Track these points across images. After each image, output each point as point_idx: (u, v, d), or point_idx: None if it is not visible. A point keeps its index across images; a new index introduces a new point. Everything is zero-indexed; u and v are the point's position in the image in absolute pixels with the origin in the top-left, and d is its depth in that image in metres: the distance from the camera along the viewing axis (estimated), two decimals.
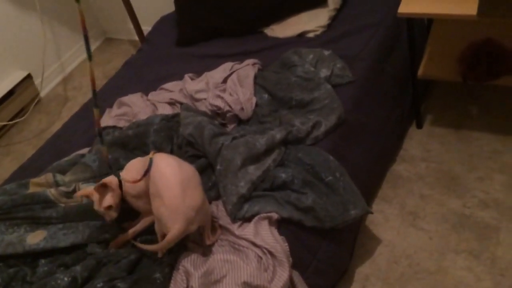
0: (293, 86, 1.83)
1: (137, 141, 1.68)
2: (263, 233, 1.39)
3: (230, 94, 1.80)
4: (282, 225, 1.45)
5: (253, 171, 1.53)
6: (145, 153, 1.68)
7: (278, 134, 1.61)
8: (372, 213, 1.75)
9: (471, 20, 1.56)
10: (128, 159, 1.65)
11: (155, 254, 1.37)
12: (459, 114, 2.14)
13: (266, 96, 1.84)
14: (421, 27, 2.18)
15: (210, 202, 1.51)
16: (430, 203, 1.85)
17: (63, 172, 1.70)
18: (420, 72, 1.96)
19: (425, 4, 1.64)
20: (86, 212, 1.46)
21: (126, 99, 1.98)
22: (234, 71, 1.91)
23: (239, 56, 2.08)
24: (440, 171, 1.95)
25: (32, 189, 1.63)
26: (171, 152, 1.67)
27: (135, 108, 1.89)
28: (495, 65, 1.84)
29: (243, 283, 1.26)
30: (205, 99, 1.84)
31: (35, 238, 1.47)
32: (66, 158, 1.78)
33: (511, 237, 1.67)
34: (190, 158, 1.59)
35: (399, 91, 2.07)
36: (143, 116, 1.83)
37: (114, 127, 1.83)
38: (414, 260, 1.69)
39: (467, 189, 1.85)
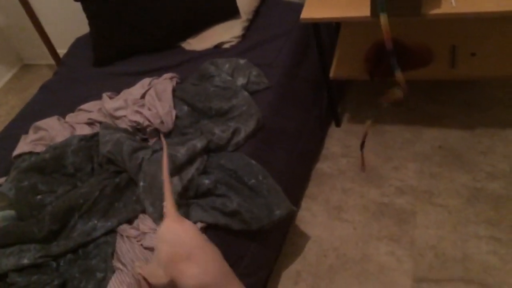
0: (211, 96, 1.87)
1: (54, 164, 1.64)
2: None
3: (149, 109, 1.81)
4: (209, 230, 1.47)
5: (178, 182, 1.54)
6: (64, 175, 1.65)
7: (198, 143, 1.64)
8: (296, 211, 1.81)
9: (372, 22, 1.68)
10: (47, 184, 1.62)
11: (81, 277, 1.34)
12: (373, 109, 2.28)
13: (185, 108, 1.86)
14: (329, 31, 2.31)
15: (137, 216, 1.51)
16: (352, 195, 1.95)
17: None
18: (331, 73, 2.07)
19: (325, 9, 1.75)
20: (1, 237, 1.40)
21: (41, 123, 1.92)
22: (152, 86, 1.92)
23: (157, 72, 2.10)
24: (359, 165, 2.06)
25: None
26: (92, 171, 1.65)
27: (51, 131, 1.85)
28: (397, 61, 1.98)
29: None
30: (124, 116, 1.83)
31: None
32: None
33: (426, 219, 1.79)
34: (112, 175, 1.58)
35: (315, 93, 2.17)
36: (60, 139, 1.78)
37: (30, 152, 1.78)
38: (341, 252, 1.77)
39: (384, 179, 1.97)
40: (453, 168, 1.93)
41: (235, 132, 1.73)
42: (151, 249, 1.39)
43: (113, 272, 1.34)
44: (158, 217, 1.43)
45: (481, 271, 1.58)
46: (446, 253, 1.66)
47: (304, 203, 1.98)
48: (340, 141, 2.19)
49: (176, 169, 1.56)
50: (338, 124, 2.27)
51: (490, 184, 1.83)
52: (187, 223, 1.26)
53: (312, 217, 1.92)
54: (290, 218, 1.87)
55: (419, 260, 1.67)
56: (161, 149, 1.63)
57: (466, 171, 1.90)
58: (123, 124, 1.81)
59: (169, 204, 1.27)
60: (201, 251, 1.19)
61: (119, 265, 1.36)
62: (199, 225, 1.44)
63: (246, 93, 1.86)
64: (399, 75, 0.99)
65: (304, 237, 1.85)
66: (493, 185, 1.82)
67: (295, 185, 1.94)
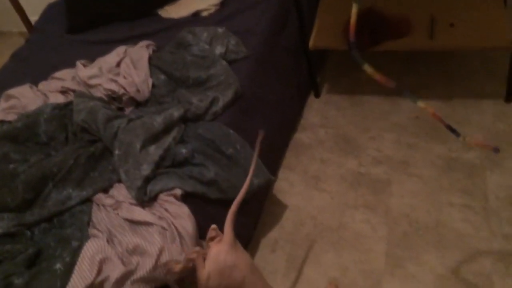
0: (189, 65, 1.84)
1: (27, 132, 1.61)
2: (169, 208, 1.40)
3: (125, 77, 1.77)
4: (187, 199, 1.47)
5: (154, 151, 1.53)
6: (37, 144, 1.62)
7: (175, 112, 1.62)
8: (273, 180, 1.82)
9: None
10: (20, 153, 1.58)
11: (56, 246, 1.33)
12: (352, 80, 2.28)
13: (162, 76, 1.83)
14: (310, 0, 2.27)
15: (112, 185, 1.49)
16: (330, 166, 1.96)
17: None
18: (311, 43, 2.05)
19: None
20: None
21: (13, 91, 1.87)
22: (128, 54, 1.88)
23: (133, 40, 2.04)
24: (338, 135, 2.07)
25: None
26: (66, 140, 1.62)
27: (23, 100, 1.80)
28: (376, 32, 1.97)
29: (155, 266, 1.27)
30: (99, 84, 1.79)
31: None
32: None
33: (401, 189, 1.82)
34: (87, 144, 1.55)
35: (295, 63, 2.15)
36: (33, 107, 1.74)
37: (2, 121, 1.73)
38: (318, 220, 1.79)
39: (361, 149, 1.98)
40: (429, 138, 1.95)
41: (213, 101, 1.71)
42: (129, 220, 1.38)
43: None
44: (132, 186, 1.42)
45: (453, 238, 1.62)
46: (420, 221, 1.70)
47: (282, 173, 1.99)
48: (319, 112, 2.19)
49: (153, 138, 1.54)
50: (317, 95, 2.26)
51: (465, 154, 1.86)
52: (241, 249, 1.28)
53: (290, 186, 1.93)
54: (268, 188, 1.87)
55: (393, 228, 1.70)
56: (137, 117, 1.60)
57: (442, 141, 1.92)
58: (97, 93, 1.77)
59: (228, 228, 1.27)
60: (253, 276, 1.26)
61: (95, 231, 1.35)
62: (178, 191, 1.43)
63: (224, 62, 1.83)
64: (353, 13, 0.94)
65: (281, 206, 1.86)
66: (468, 155, 1.85)
67: (273, 155, 1.94)
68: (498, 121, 1.95)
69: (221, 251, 1.23)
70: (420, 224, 1.69)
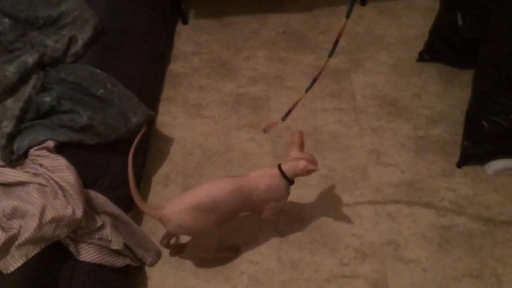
0: (35, 3, 1.64)
1: None
2: (44, 162, 1.30)
3: None
4: (63, 150, 1.37)
5: (13, 105, 1.38)
6: None
7: (29, 58, 1.46)
8: (153, 115, 1.77)
9: None
10: None
11: None
12: (218, 2, 2.23)
13: (7, 20, 1.61)
14: None
15: None
16: (209, 92, 1.96)
17: None
18: None
19: None
20: None
21: None
22: None
23: None
24: (212, 60, 2.05)
25: None
26: None
27: None
28: None
29: (39, 225, 1.19)
30: None
31: None
32: None
33: (279, 102, 1.89)
34: None
35: None
36: None
37: None
38: (205, 147, 1.80)
39: (237, 70, 2.00)
40: (298, 50, 2.02)
41: (71, 41, 1.58)
42: (0, 184, 1.26)
43: None
44: None
45: (330, 140, 1.75)
46: (303, 130, 1.79)
47: (162, 107, 1.94)
48: (189, 39, 2.13)
49: (8, 91, 1.39)
50: (185, 21, 2.19)
51: (330, 60, 1.96)
52: (167, 207, 1.32)
53: (172, 119, 1.90)
54: (149, 124, 1.82)
55: (277, 141, 1.78)
56: None
57: (310, 51, 2.01)
58: None
59: (144, 208, 1.33)
60: (198, 203, 1.30)
61: None
62: (50, 143, 1.33)
63: None
64: None
65: (167, 140, 1.84)
66: (334, 61, 1.96)
67: (150, 89, 1.87)
68: (357, 25, 2.07)
69: (169, 220, 1.30)
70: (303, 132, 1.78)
